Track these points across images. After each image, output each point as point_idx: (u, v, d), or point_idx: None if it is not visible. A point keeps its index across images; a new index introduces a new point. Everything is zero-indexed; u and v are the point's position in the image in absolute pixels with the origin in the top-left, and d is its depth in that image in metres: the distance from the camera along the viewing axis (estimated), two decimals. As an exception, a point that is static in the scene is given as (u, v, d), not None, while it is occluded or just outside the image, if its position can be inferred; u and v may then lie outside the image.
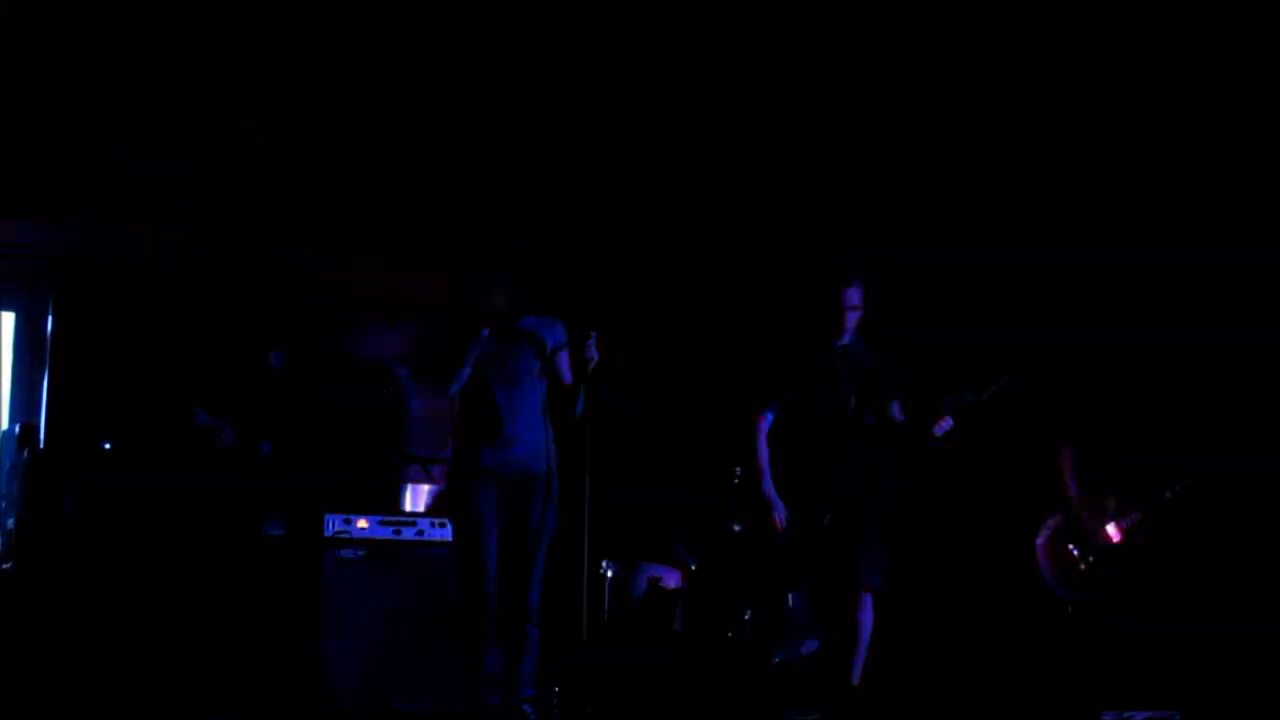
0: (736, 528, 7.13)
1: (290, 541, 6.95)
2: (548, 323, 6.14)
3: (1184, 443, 7.05)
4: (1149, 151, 7.32)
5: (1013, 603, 7.23)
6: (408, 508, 7.45)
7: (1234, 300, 7.18)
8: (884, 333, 6.68)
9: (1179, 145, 7.22)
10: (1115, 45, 7.06)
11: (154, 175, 7.51)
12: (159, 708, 6.38)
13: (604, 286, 7.77)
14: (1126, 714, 6.65)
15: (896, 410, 6.47)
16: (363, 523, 6.85)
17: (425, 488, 7.55)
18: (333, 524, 6.80)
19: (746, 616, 6.86)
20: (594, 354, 6.01)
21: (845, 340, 6.50)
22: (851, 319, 6.47)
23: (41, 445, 6.71)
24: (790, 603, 6.66)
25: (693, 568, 7.23)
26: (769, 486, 6.44)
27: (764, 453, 6.50)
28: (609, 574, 7.09)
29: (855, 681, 6.29)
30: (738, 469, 7.10)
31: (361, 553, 6.81)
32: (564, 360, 6.11)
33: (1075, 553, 7.08)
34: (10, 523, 6.65)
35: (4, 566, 6.59)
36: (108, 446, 6.66)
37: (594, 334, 6.01)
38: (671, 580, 7.19)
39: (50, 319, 6.87)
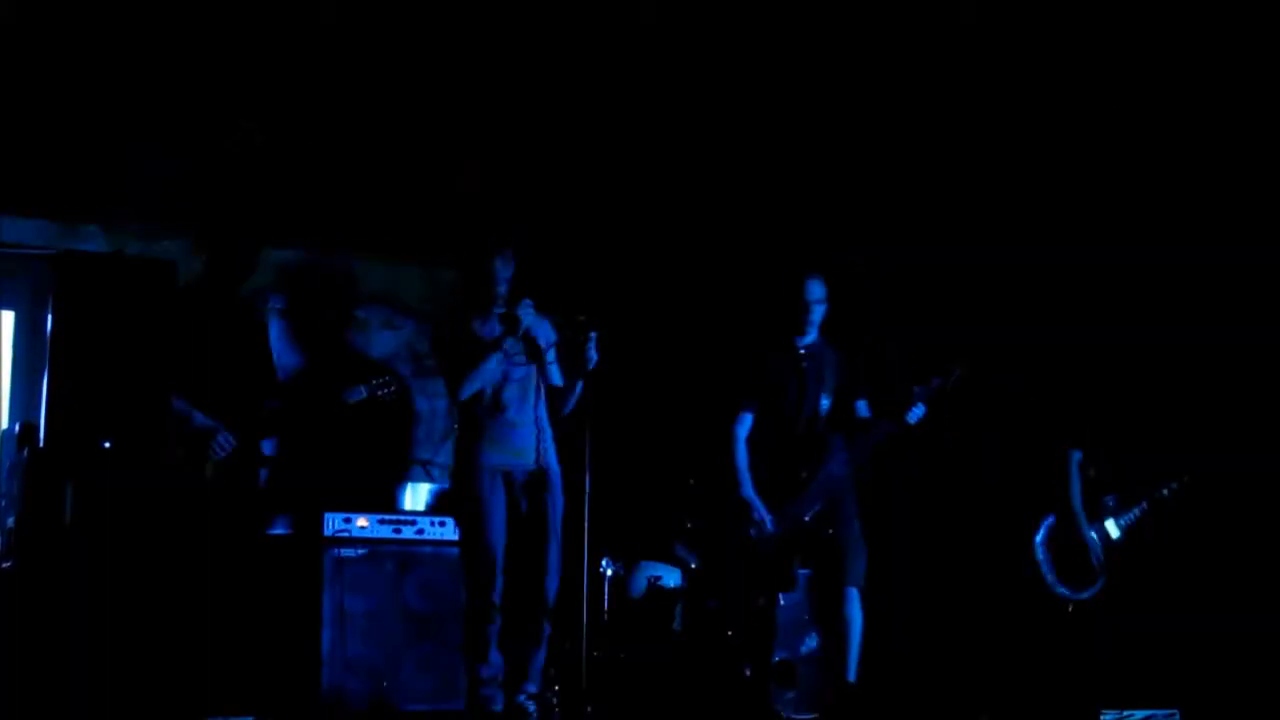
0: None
1: (290, 540, 6.95)
2: (538, 320, 6.14)
3: (1182, 442, 7.08)
4: (1148, 151, 7.32)
5: (1012, 601, 7.23)
6: (407, 506, 7.45)
7: (1234, 299, 7.19)
8: (864, 332, 6.75)
9: (1178, 145, 7.23)
10: (1109, 46, 7.07)
11: (155, 173, 7.50)
12: (159, 707, 6.36)
13: (604, 286, 7.78)
14: (1126, 712, 6.66)
15: (863, 407, 6.52)
16: (363, 521, 6.86)
17: (425, 486, 7.55)
18: (333, 523, 6.80)
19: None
20: (594, 354, 6.01)
21: (810, 338, 6.54)
22: (815, 315, 6.51)
23: (41, 444, 6.68)
24: (781, 603, 6.68)
25: (693, 566, 7.24)
26: (749, 490, 6.49)
27: (742, 457, 6.55)
28: (609, 573, 7.10)
29: (851, 679, 6.31)
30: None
31: (362, 552, 6.82)
32: (554, 357, 6.11)
33: (1074, 551, 7.09)
34: (10, 521, 6.63)
35: (4, 565, 6.57)
36: (108, 445, 6.64)
37: (594, 334, 6.01)
38: (671, 579, 7.20)
39: (50, 317, 6.83)
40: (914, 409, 6.38)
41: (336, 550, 6.78)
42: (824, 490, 6.41)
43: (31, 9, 6.82)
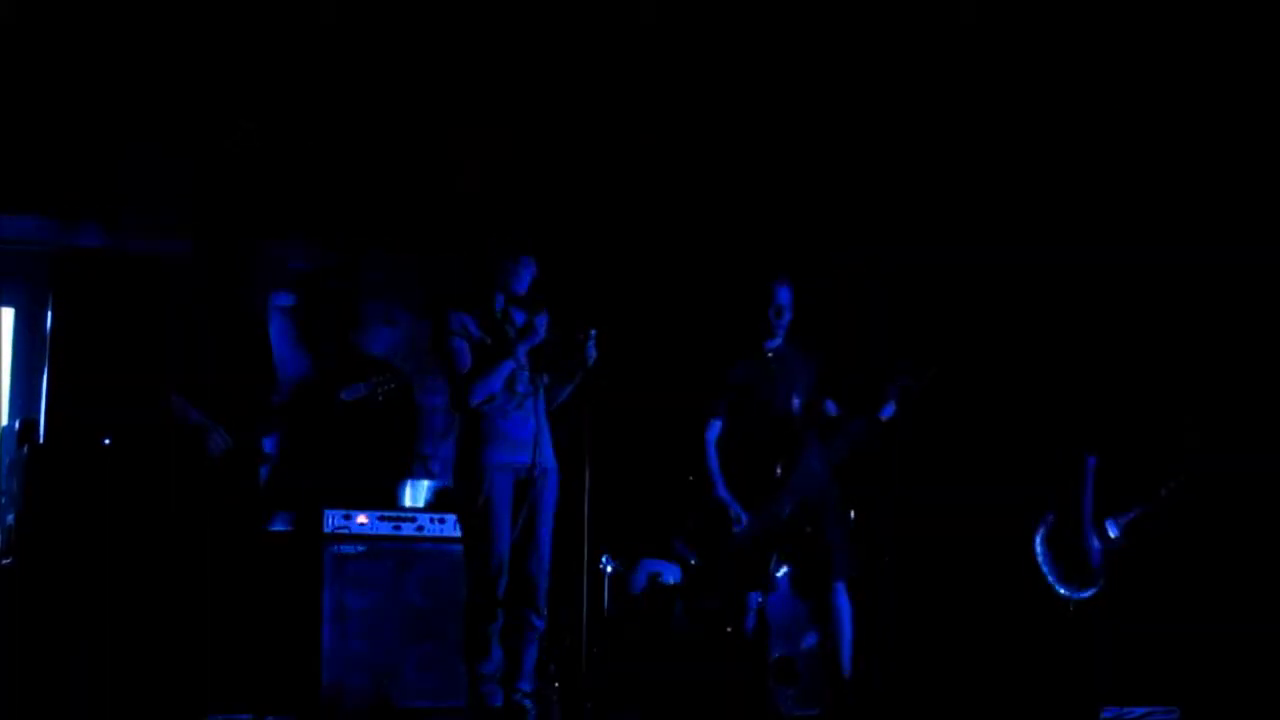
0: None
1: (291, 537, 6.95)
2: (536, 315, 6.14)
3: (1181, 441, 7.08)
4: (1150, 150, 7.33)
5: (1014, 599, 7.24)
6: (407, 503, 7.44)
7: (1233, 299, 7.20)
8: (863, 334, 6.80)
9: (1179, 143, 7.23)
10: (1106, 47, 7.08)
11: (155, 170, 7.50)
12: (159, 705, 6.35)
13: (603, 282, 7.78)
14: (1126, 710, 6.66)
15: (831, 406, 6.60)
16: (362, 518, 6.85)
17: (425, 483, 7.54)
18: (332, 520, 6.80)
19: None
20: (593, 352, 6.01)
21: (777, 342, 6.61)
22: (783, 319, 6.59)
23: (41, 441, 6.68)
24: (759, 601, 6.71)
25: (692, 563, 7.24)
26: (723, 490, 6.62)
27: (714, 459, 6.69)
28: (609, 569, 7.09)
29: (847, 673, 6.36)
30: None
31: (361, 548, 6.82)
32: (550, 354, 6.11)
33: (1074, 550, 7.09)
34: (10, 519, 6.63)
35: (4, 562, 6.57)
36: (108, 442, 6.64)
37: (594, 332, 6.01)
38: (671, 576, 7.20)
39: (50, 314, 6.83)
40: (886, 406, 6.48)
41: (336, 547, 6.78)
42: (800, 488, 6.51)
43: (31, 7, 6.82)
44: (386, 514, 6.94)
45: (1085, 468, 7.16)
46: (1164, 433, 7.10)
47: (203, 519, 6.56)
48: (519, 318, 6.06)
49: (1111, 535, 7.11)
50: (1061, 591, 7.06)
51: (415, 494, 7.45)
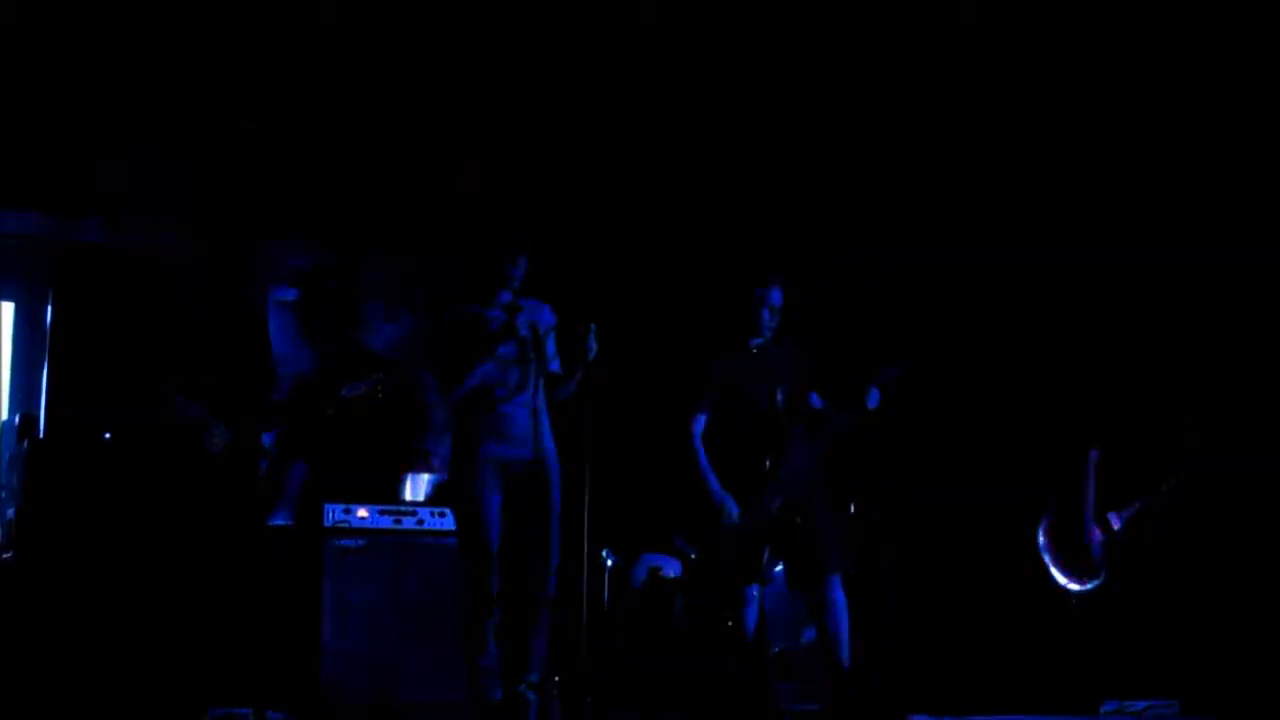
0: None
1: (291, 532, 6.94)
2: (537, 306, 6.14)
3: (1182, 436, 7.09)
4: (1151, 148, 7.34)
5: (1015, 592, 7.24)
6: (407, 497, 7.44)
7: (1232, 296, 7.21)
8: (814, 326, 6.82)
9: (1180, 142, 7.25)
10: (1102, 47, 7.10)
11: (155, 166, 7.51)
12: (159, 700, 6.36)
13: (604, 277, 7.79)
14: (1127, 703, 6.66)
15: (815, 399, 6.64)
16: (363, 512, 6.85)
17: (425, 477, 7.54)
18: (332, 514, 6.80)
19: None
20: (593, 345, 6.01)
21: (763, 338, 6.63)
22: (774, 321, 6.61)
23: (41, 436, 6.69)
24: (757, 595, 6.72)
25: (692, 557, 7.24)
26: (715, 485, 6.61)
27: (702, 456, 6.68)
28: (609, 563, 7.09)
29: (845, 666, 6.36)
30: None
31: (362, 543, 6.81)
32: (552, 345, 6.11)
33: (1076, 544, 7.10)
34: (10, 513, 6.63)
35: (4, 557, 6.57)
36: (107, 437, 6.65)
37: (594, 326, 6.01)
38: (671, 570, 7.21)
39: (50, 309, 6.85)
40: (871, 395, 6.49)
41: (336, 541, 6.78)
42: (788, 481, 6.50)
43: (32, 5, 6.83)
44: (387, 508, 6.94)
45: (1087, 462, 7.17)
46: (1166, 428, 7.10)
47: (202, 514, 6.56)
48: (526, 315, 6.07)
49: (1113, 529, 7.11)
50: (1063, 585, 7.06)
51: (415, 488, 7.46)
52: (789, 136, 7.95)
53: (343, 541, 6.78)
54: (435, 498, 7.34)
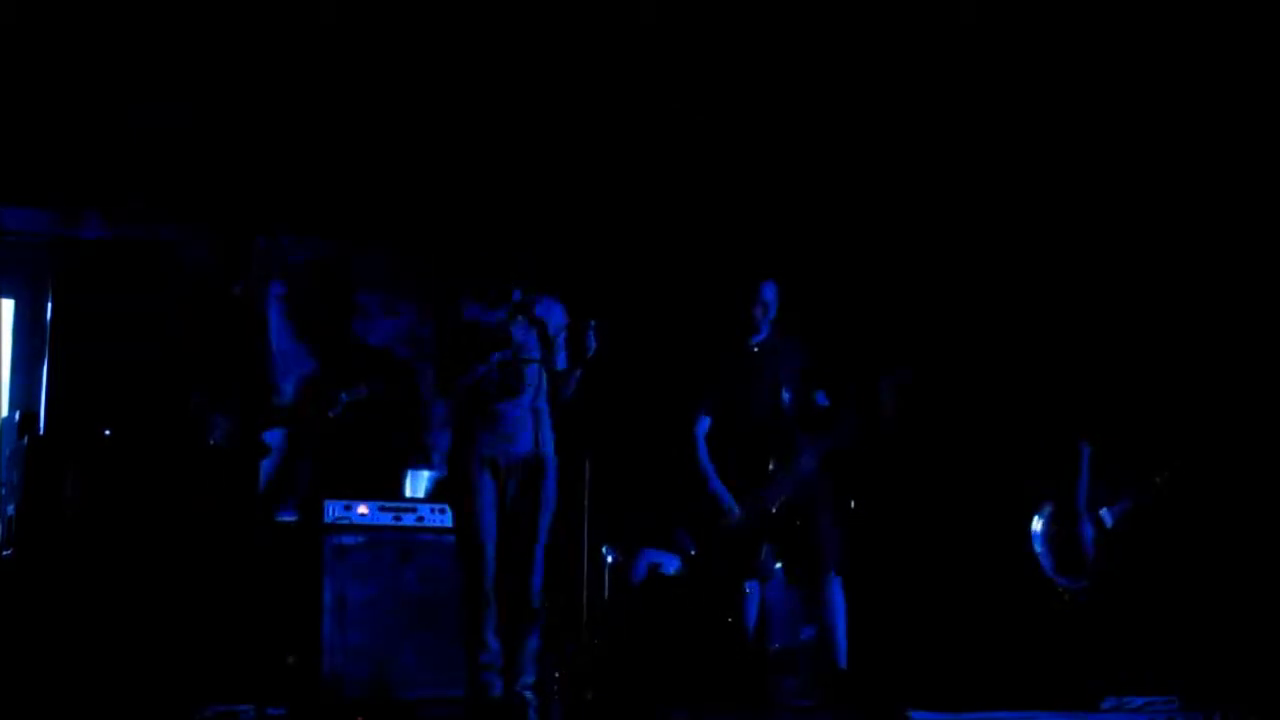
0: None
1: (291, 528, 6.95)
2: (547, 304, 6.13)
3: (1177, 430, 7.10)
4: (1151, 146, 7.34)
5: (1014, 589, 7.25)
6: (408, 494, 7.44)
7: (1228, 290, 7.22)
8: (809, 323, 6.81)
9: (1180, 141, 7.24)
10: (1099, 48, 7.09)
11: (155, 161, 7.50)
12: (159, 695, 6.36)
13: (603, 273, 7.79)
14: (1126, 699, 6.67)
15: (821, 397, 6.62)
16: (363, 509, 6.85)
17: (425, 473, 7.54)
18: (333, 510, 6.79)
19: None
20: (593, 342, 6.00)
21: (763, 336, 6.63)
22: (768, 316, 6.61)
23: (41, 432, 6.69)
24: (756, 591, 6.73)
25: (693, 553, 7.25)
26: (716, 484, 6.66)
27: (704, 455, 6.72)
28: (609, 559, 7.10)
29: (842, 665, 6.38)
30: None
31: (362, 539, 6.82)
32: (563, 343, 6.10)
33: (1070, 540, 7.10)
34: (10, 510, 6.63)
35: (4, 554, 6.58)
36: (108, 433, 6.65)
37: (593, 323, 6.01)
38: (671, 566, 7.21)
39: (50, 306, 6.84)
40: (882, 397, 6.49)
41: (337, 538, 6.77)
42: (791, 482, 6.52)
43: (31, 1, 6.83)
44: (387, 504, 6.93)
45: (1080, 457, 7.17)
46: (1158, 422, 7.10)
47: (203, 509, 6.56)
48: (537, 308, 6.07)
49: (1107, 525, 7.12)
50: (1056, 581, 7.07)
51: (416, 484, 7.45)
52: (788, 131, 7.95)
53: (343, 538, 6.78)
54: (436, 494, 7.34)
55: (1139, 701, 6.67)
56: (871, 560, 6.71)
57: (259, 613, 6.59)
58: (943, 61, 7.29)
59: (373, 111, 7.61)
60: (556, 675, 6.61)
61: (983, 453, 7.59)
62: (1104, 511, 7.13)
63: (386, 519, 6.89)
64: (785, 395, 6.67)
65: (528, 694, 5.90)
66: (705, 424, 6.74)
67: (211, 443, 6.63)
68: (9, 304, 7.53)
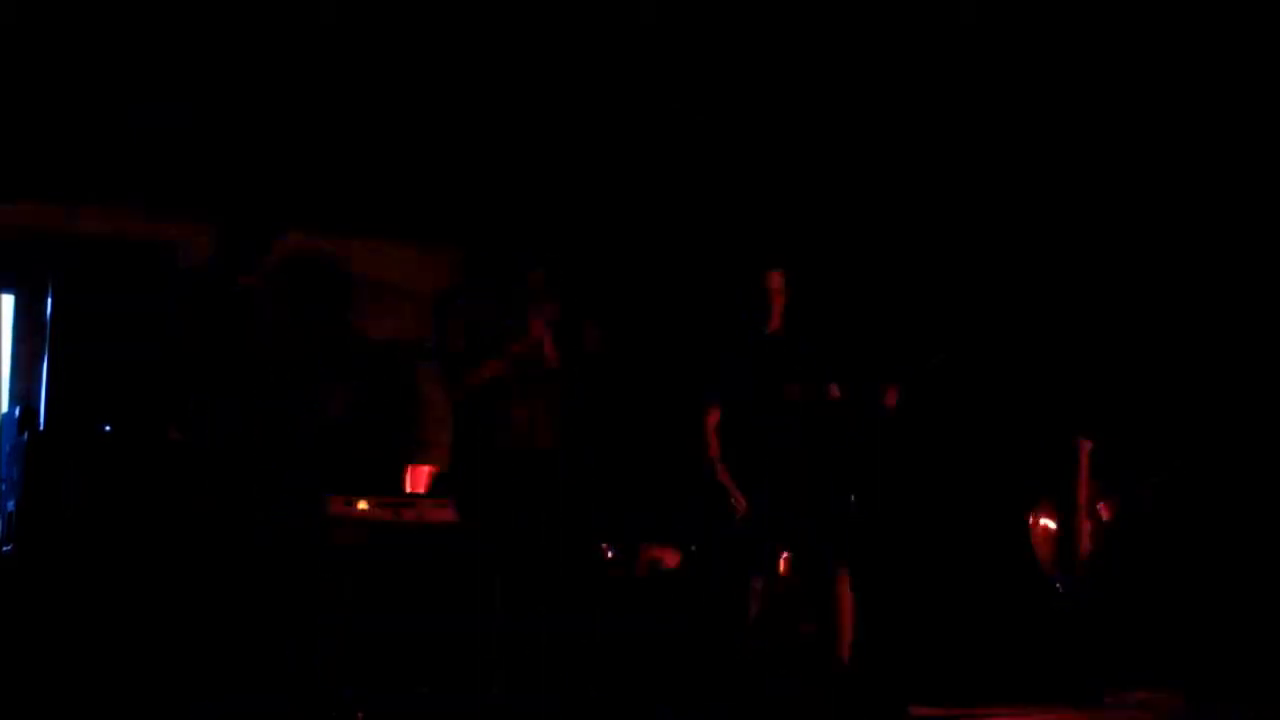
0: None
1: (290, 524, 6.95)
2: (550, 300, 6.13)
3: (1176, 425, 7.09)
4: (1151, 145, 7.32)
5: (1013, 583, 7.25)
6: (407, 489, 7.44)
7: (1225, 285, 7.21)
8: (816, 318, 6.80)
9: (1180, 139, 7.23)
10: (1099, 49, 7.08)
11: (155, 157, 7.50)
12: (158, 692, 6.37)
13: (605, 269, 7.78)
14: (1129, 693, 6.67)
15: (834, 391, 6.56)
16: (363, 504, 6.85)
17: (425, 469, 7.54)
18: (333, 505, 6.78)
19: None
20: (592, 340, 6.01)
21: (773, 328, 6.59)
22: (776, 304, 6.58)
23: (42, 428, 6.69)
24: (759, 586, 6.72)
25: (692, 549, 7.25)
26: (723, 475, 6.67)
27: (715, 446, 6.72)
28: (609, 555, 7.09)
29: (846, 659, 6.37)
30: None
31: (362, 535, 6.81)
32: (550, 338, 6.10)
33: (1070, 536, 7.10)
34: (10, 506, 6.64)
35: (4, 550, 6.59)
36: (108, 429, 6.65)
37: (593, 320, 6.01)
38: (671, 561, 7.21)
39: (50, 301, 6.84)
40: (893, 397, 6.46)
41: (336, 533, 6.76)
42: (800, 474, 6.48)
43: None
44: (387, 500, 6.92)
45: (1079, 452, 7.16)
46: (1159, 416, 7.09)
47: (203, 506, 6.57)
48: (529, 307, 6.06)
49: (1104, 520, 7.11)
50: (1054, 575, 7.07)
51: (416, 480, 7.45)
52: (791, 121, 7.93)
53: (343, 533, 6.77)
54: (437, 489, 7.34)
55: (1141, 696, 6.67)
56: (872, 556, 6.69)
57: (258, 609, 6.60)
58: (947, 56, 7.28)
59: (373, 106, 7.60)
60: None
61: (983, 449, 7.57)
62: (1102, 506, 7.12)
63: (386, 515, 6.88)
64: (795, 388, 6.63)
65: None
66: (716, 414, 6.71)
67: (210, 439, 6.61)
68: (8, 299, 7.53)
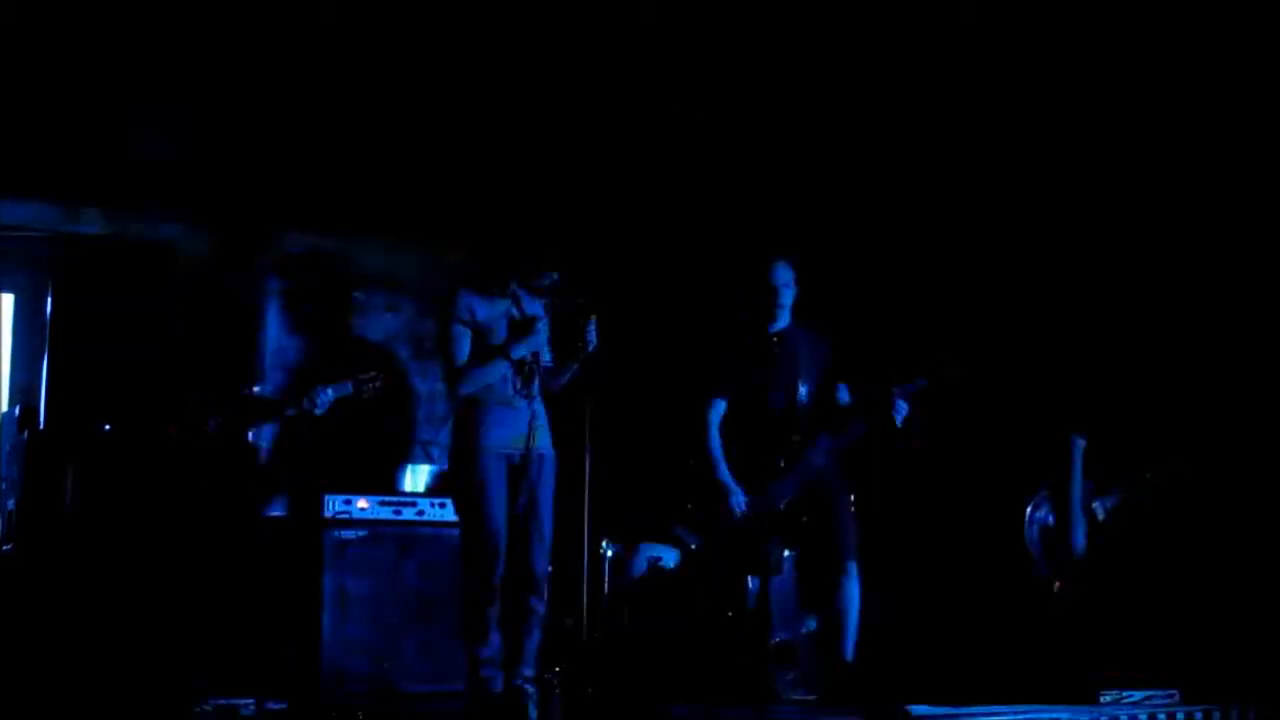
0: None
1: (290, 522, 6.96)
2: (532, 301, 6.12)
3: (1171, 423, 7.11)
4: (1150, 144, 7.34)
5: (1012, 583, 7.25)
6: (407, 488, 7.45)
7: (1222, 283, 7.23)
8: (820, 316, 6.78)
9: (1178, 138, 7.24)
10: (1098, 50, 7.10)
11: (155, 156, 7.50)
12: (159, 691, 6.37)
13: (604, 267, 7.78)
14: (1125, 693, 6.66)
15: (843, 392, 6.57)
16: (363, 503, 6.86)
17: (425, 468, 7.55)
18: (333, 504, 6.80)
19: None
20: (593, 338, 6.00)
21: (782, 324, 6.58)
22: (783, 299, 6.55)
23: (41, 427, 6.70)
24: (758, 585, 6.71)
25: (693, 547, 7.24)
26: (724, 473, 6.58)
27: (716, 442, 6.63)
28: (609, 554, 7.10)
29: (849, 659, 6.35)
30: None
31: (362, 533, 6.82)
32: (545, 338, 6.08)
33: (1064, 534, 7.11)
34: (11, 504, 6.65)
35: (4, 548, 6.59)
36: (107, 428, 6.66)
37: (594, 319, 6.00)
38: (671, 560, 7.21)
39: (50, 301, 6.86)
40: (898, 408, 6.41)
41: (337, 532, 6.78)
42: (802, 478, 6.48)
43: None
44: (387, 499, 6.95)
45: (1074, 450, 7.15)
46: (1153, 415, 7.11)
47: (202, 504, 6.57)
48: (529, 306, 6.05)
49: (1099, 518, 7.12)
50: (1048, 574, 7.08)
51: (415, 479, 7.47)
52: (791, 120, 7.95)
53: (343, 532, 6.79)
54: (435, 488, 7.35)
55: (1139, 695, 6.66)
56: (871, 555, 6.68)
57: (259, 607, 6.61)
58: (950, 58, 7.30)
59: (372, 106, 7.60)
60: (557, 670, 6.61)
61: (981, 448, 7.58)
62: (1096, 505, 7.13)
63: (386, 513, 6.90)
64: (803, 389, 6.59)
65: (528, 688, 5.91)
66: (719, 409, 6.65)
67: (209, 437, 6.62)
68: (9, 299, 7.54)
